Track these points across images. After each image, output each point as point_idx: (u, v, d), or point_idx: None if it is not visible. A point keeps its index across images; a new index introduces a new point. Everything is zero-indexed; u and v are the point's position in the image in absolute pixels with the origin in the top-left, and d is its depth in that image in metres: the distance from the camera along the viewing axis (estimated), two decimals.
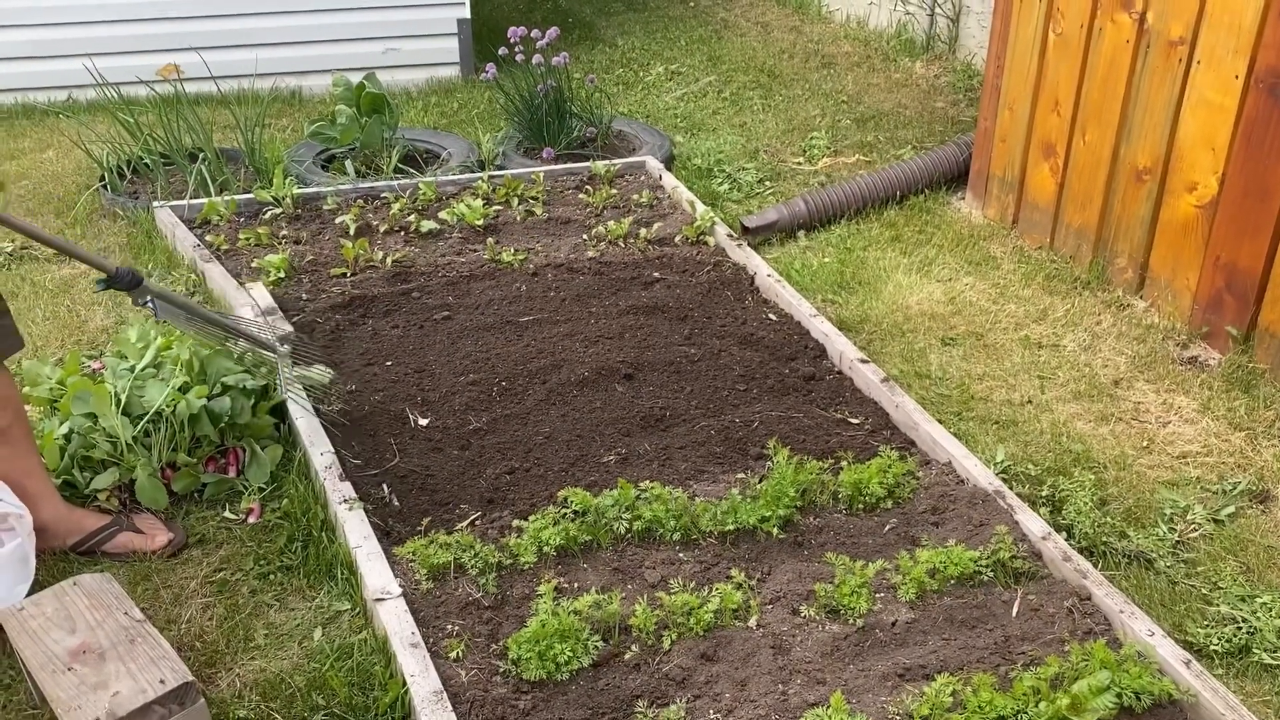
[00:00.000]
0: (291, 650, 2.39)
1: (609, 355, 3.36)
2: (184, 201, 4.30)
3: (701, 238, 4.18)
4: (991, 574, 2.52)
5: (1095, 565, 2.59)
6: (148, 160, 4.54)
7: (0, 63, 5.57)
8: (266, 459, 2.89)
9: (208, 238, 4.06)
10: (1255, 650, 2.40)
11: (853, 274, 4.04)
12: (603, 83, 6.00)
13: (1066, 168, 4.02)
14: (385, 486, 2.83)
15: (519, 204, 4.42)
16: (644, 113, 5.74)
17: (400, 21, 6.03)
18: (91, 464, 2.79)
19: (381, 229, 4.20)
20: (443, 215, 4.25)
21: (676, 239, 4.17)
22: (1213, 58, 3.36)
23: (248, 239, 4.08)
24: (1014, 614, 2.42)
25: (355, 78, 4.79)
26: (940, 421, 3.10)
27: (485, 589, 2.46)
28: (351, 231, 4.14)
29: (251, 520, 2.76)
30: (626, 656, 2.31)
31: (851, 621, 2.39)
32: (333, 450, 2.84)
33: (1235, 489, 2.93)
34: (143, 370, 2.88)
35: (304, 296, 3.71)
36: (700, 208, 4.31)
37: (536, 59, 4.92)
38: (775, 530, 2.64)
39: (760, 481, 2.79)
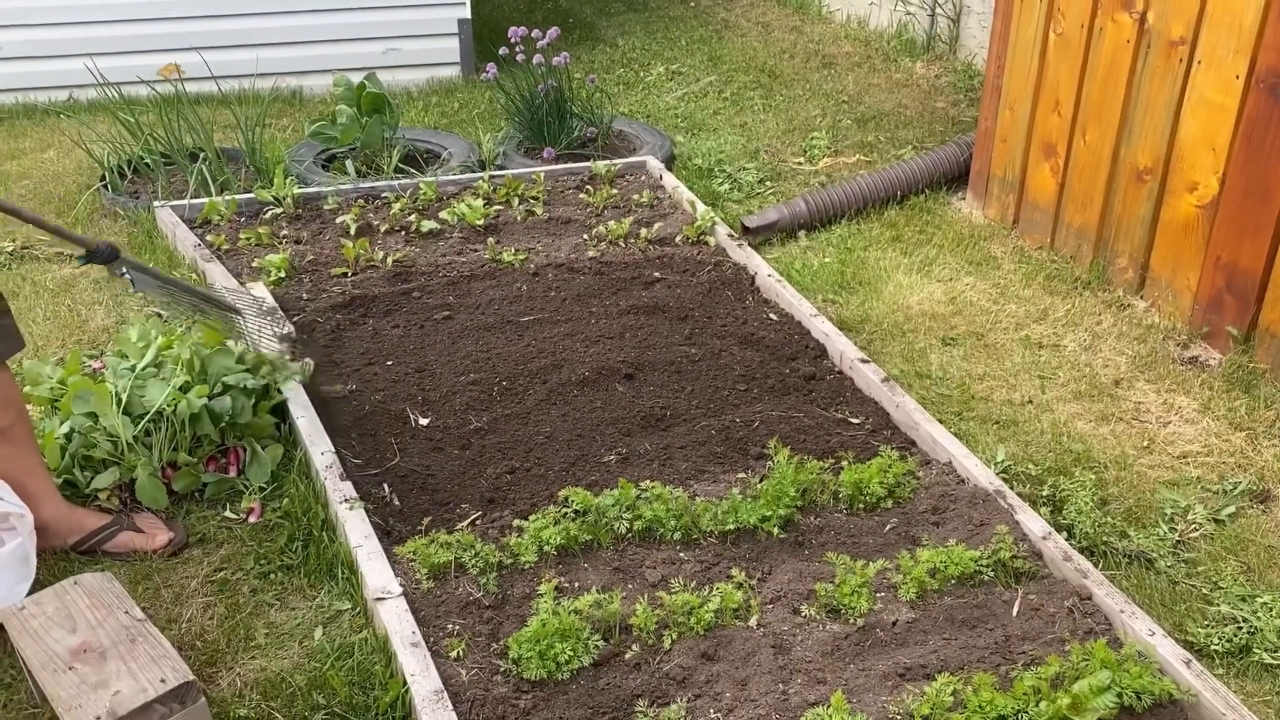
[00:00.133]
0: (292, 649, 2.39)
1: (609, 355, 3.36)
2: (185, 201, 4.30)
3: (702, 238, 4.18)
4: (992, 574, 2.52)
5: (1096, 565, 2.59)
6: (148, 160, 4.54)
7: (1, 63, 5.57)
8: (267, 458, 2.89)
9: (208, 237, 4.06)
10: (1256, 650, 2.40)
11: (853, 274, 4.04)
12: (603, 83, 6.00)
13: (1067, 168, 4.02)
14: (386, 486, 2.83)
15: (519, 204, 4.42)
16: (644, 113, 5.74)
17: (401, 21, 6.03)
18: (92, 463, 2.79)
19: (382, 229, 4.20)
20: (443, 215, 4.25)
21: (677, 239, 4.18)
22: (1213, 58, 3.36)
23: (248, 239, 4.08)
24: (1014, 614, 2.42)
25: (356, 78, 4.79)
26: (941, 421, 3.10)
27: (486, 588, 2.46)
28: (352, 231, 4.15)
29: (252, 520, 2.76)
30: (627, 656, 2.31)
31: (852, 621, 2.39)
32: (333, 450, 2.84)
33: (1236, 489, 2.93)
34: (143, 370, 2.88)
35: (304, 296, 3.71)
36: (701, 208, 4.31)
37: (537, 59, 4.92)
38: (776, 530, 2.64)
39: (761, 481, 2.79)
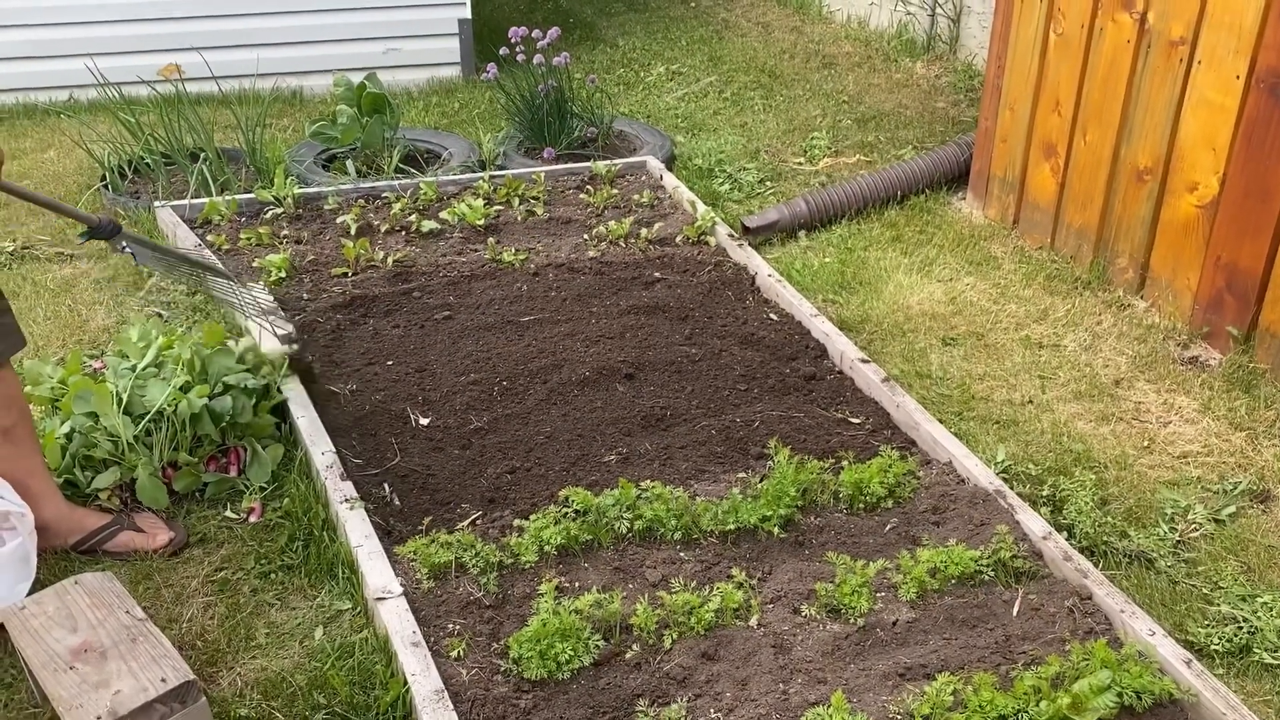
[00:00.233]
0: (293, 649, 2.40)
1: (610, 355, 3.36)
2: (185, 201, 4.30)
3: (702, 238, 4.19)
4: (992, 573, 2.52)
5: (1096, 565, 2.59)
6: (149, 160, 4.54)
7: (1, 63, 5.58)
8: (268, 458, 2.89)
9: (209, 237, 4.06)
10: (1256, 650, 2.40)
11: (853, 274, 4.04)
12: (604, 83, 6.00)
13: (1067, 168, 4.02)
14: (386, 486, 2.83)
15: (520, 204, 4.42)
16: (645, 113, 5.74)
17: (401, 22, 6.03)
18: (93, 463, 2.79)
19: (382, 229, 4.20)
20: (444, 215, 4.25)
21: (677, 239, 4.18)
22: (1213, 58, 3.36)
23: (249, 239, 4.08)
24: (1015, 613, 2.42)
25: (356, 78, 4.79)
26: (941, 421, 3.10)
27: (486, 588, 2.47)
28: (352, 231, 4.15)
29: (253, 519, 2.76)
30: (627, 656, 2.31)
31: (852, 621, 2.39)
32: (334, 450, 2.84)
33: (1236, 489, 2.93)
34: (144, 370, 2.88)
35: (305, 296, 3.71)
36: (701, 208, 4.31)
37: (537, 59, 4.92)
38: (776, 530, 2.64)
39: (761, 481, 2.79)
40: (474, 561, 2.51)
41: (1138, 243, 3.77)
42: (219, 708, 2.23)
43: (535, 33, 4.88)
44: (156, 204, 4.27)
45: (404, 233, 4.19)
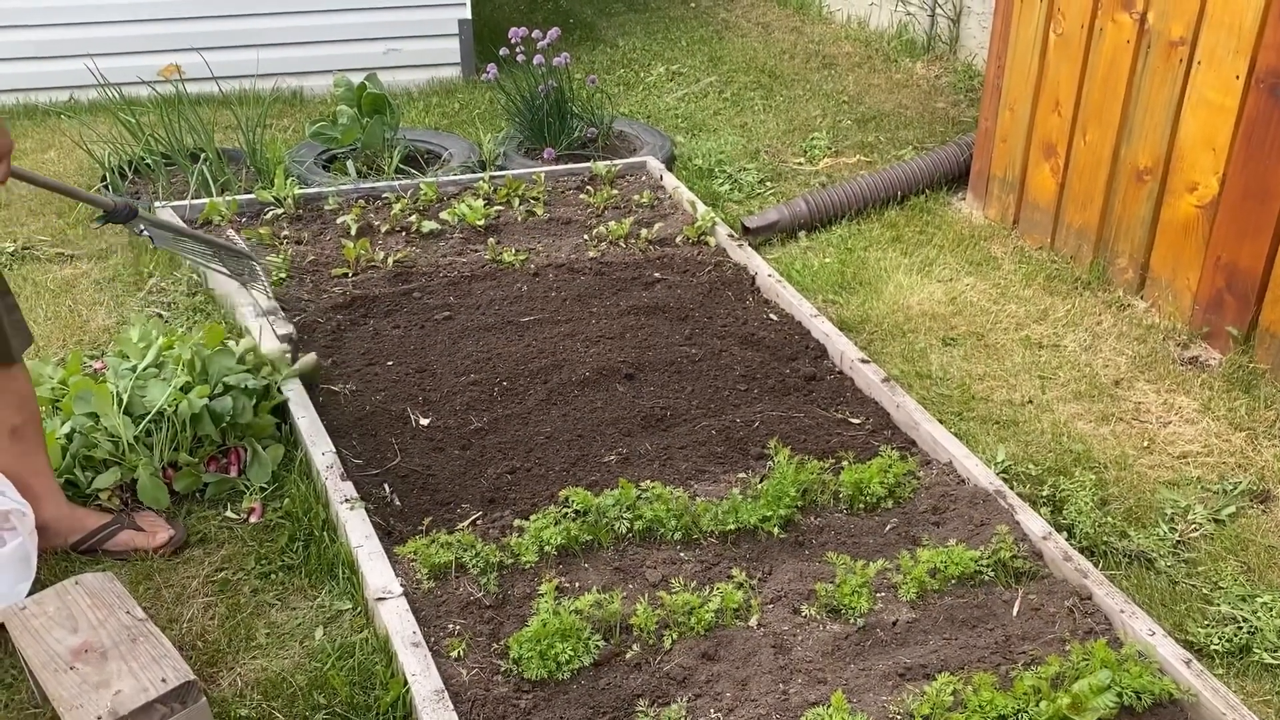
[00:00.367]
0: (293, 649, 2.40)
1: (610, 355, 3.36)
2: (185, 202, 4.30)
3: (702, 238, 4.19)
4: (992, 574, 2.52)
5: (1096, 565, 2.59)
6: (149, 160, 4.54)
7: (2, 63, 5.58)
8: (268, 459, 2.89)
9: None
10: (1256, 650, 2.41)
11: (853, 274, 4.04)
12: (604, 83, 6.00)
13: (1067, 168, 4.03)
14: (386, 486, 2.83)
15: (520, 204, 4.42)
16: (645, 113, 5.74)
17: (401, 22, 6.04)
18: (93, 463, 2.79)
19: (383, 229, 4.20)
20: (444, 215, 4.25)
21: (677, 239, 4.18)
22: (1213, 58, 3.36)
23: (249, 239, 4.08)
24: (1015, 613, 2.42)
25: (356, 78, 4.79)
26: (941, 421, 3.10)
27: (486, 588, 2.47)
28: (353, 232, 4.15)
29: (253, 520, 2.76)
30: (628, 656, 2.31)
31: (852, 621, 2.39)
32: (334, 450, 2.85)
33: (1236, 489, 2.93)
34: (144, 370, 2.89)
35: (305, 296, 3.71)
36: (701, 208, 4.31)
37: (537, 59, 4.92)
38: (776, 530, 2.64)
39: (761, 481, 2.79)
40: (474, 562, 2.52)
41: (1138, 243, 3.77)
42: (219, 708, 2.23)
43: (535, 33, 4.88)
44: (157, 204, 4.27)
45: (404, 233, 4.19)
